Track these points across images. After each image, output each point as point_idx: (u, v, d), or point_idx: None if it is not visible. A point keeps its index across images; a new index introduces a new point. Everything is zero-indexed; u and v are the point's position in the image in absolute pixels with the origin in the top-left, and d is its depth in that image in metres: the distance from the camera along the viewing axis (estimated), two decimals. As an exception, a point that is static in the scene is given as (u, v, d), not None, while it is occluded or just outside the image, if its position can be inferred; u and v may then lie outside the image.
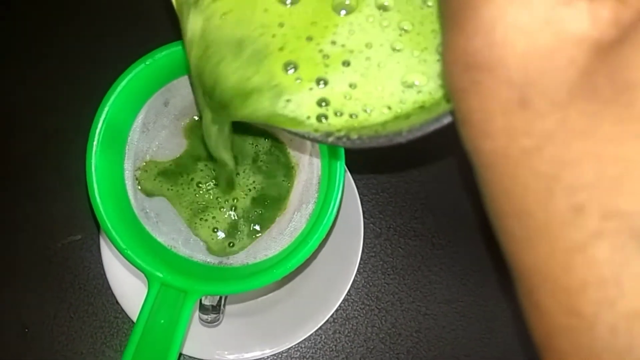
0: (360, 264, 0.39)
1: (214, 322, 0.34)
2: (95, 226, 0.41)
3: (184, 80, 0.32)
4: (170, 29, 0.38)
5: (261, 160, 0.34)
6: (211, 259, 0.33)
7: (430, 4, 0.22)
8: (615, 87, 0.14)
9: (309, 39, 0.22)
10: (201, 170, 0.34)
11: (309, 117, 0.21)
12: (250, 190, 0.34)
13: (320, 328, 0.39)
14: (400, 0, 0.22)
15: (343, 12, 0.22)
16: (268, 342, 0.39)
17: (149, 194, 0.33)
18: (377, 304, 0.41)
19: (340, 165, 0.30)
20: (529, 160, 0.15)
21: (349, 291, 0.39)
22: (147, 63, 0.30)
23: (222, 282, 0.31)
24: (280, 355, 0.40)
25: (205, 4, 0.22)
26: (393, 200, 0.42)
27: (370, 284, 0.41)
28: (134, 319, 0.36)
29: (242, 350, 0.39)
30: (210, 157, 0.34)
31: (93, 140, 0.30)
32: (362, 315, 0.41)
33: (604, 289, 0.14)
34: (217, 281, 0.31)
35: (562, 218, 0.14)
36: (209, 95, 0.23)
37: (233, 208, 0.34)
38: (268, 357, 0.39)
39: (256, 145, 0.35)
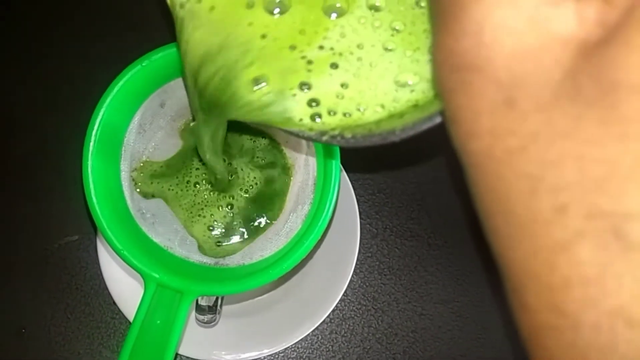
0: (356, 264, 0.40)
1: (211, 322, 0.34)
2: (92, 227, 0.41)
3: (180, 82, 0.32)
4: (167, 30, 0.38)
5: (257, 157, 0.34)
6: (207, 260, 0.33)
7: (422, 4, 0.22)
8: (600, 88, 0.14)
9: (292, 47, 0.22)
10: (197, 169, 0.35)
11: (301, 120, 0.22)
12: (246, 190, 0.34)
13: (317, 328, 0.39)
14: (392, 0, 0.22)
15: (334, 15, 0.22)
16: (265, 342, 0.39)
17: (145, 195, 0.34)
18: (374, 304, 0.41)
19: (336, 166, 0.30)
20: (514, 160, 0.15)
21: (345, 291, 0.39)
22: (144, 64, 0.30)
23: (218, 283, 0.31)
24: (277, 356, 0.40)
25: (196, 9, 0.23)
26: (389, 201, 0.43)
27: (367, 284, 0.42)
28: (131, 319, 0.36)
29: (238, 350, 0.39)
30: (202, 163, 0.34)
31: (89, 142, 0.30)
32: (358, 315, 0.41)
33: (587, 288, 0.14)
34: (213, 282, 0.31)
35: (545, 217, 0.14)
36: (201, 97, 0.24)
37: (229, 207, 0.34)
38: (265, 357, 0.40)
39: (254, 141, 0.35)
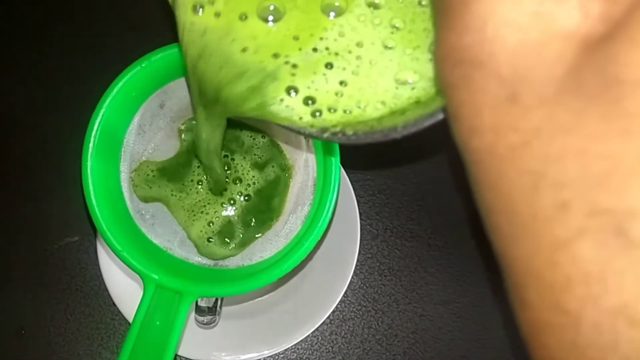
0: (357, 265, 0.39)
1: (210, 323, 0.34)
2: (92, 228, 0.41)
3: (179, 83, 0.32)
4: (166, 31, 0.38)
5: (255, 154, 0.34)
6: (207, 261, 0.33)
7: (424, 3, 0.22)
8: (603, 84, 0.14)
9: (276, 55, 0.22)
10: (197, 166, 0.35)
11: (301, 118, 0.22)
12: (245, 191, 0.34)
13: (317, 329, 0.39)
14: None
15: (332, 14, 0.22)
16: (265, 343, 0.39)
17: (143, 199, 0.33)
18: (374, 305, 0.41)
19: (336, 167, 0.30)
20: (516, 157, 0.15)
21: (345, 292, 0.39)
22: (143, 65, 0.30)
23: (217, 284, 0.31)
24: (277, 357, 0.40)
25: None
26: (390, 202, 0.42)
27: (367, 285, 0.41)
28: (131, 320, 0.36)
29: (238, 351, 0.39)
30: (200, 163, 0.34)
31: (89, 143, 0.30)
32: (358, 316, 0.41)
33: (588, 286, 0.14)
34: (212, 283, 0.31)
35: (547, 214, 0.14)
36: (203, 93, 0.24)
37: (228, 209, 0.34)
38: (265, 358, 0.39)
39: (254, 138, 0.35)
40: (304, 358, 0.41)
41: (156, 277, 0.30)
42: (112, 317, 0.41)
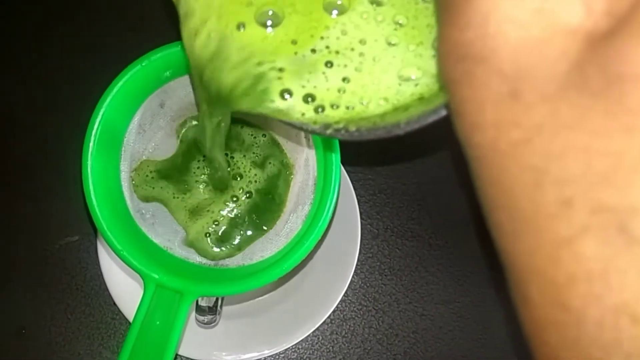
0: (357, 264, 0.39)
1: (211, 323, 0.34)
2: (92, 227, 0.41)
3: (179, 82, 0.32)
4: (167, 31, 0.38)
5: (254, 152, 0.34)
6: (207, 260, 0.33)
7: None
8: (607, 80, 0.13)
9: (259, 64, 0.22)
10: (196, 168, 0.34)
11: (303, 114, 0.22)
12: (247, 190, 0.34)
13: (317, 329, 0.39)
14: None
15: (335, 12, 0.22)
16: (265, 343, 0.39)
17: (144, 198, 0.33)
18: (375, 304, 0.41)
19: (337, 166, 0.30)
20: (518, 153, 0.15)
21: (346, 292, 0.39)
22: (143, 64, 0.30)
23: (218, 283, 0.31)
24: (277, 356, 0.40)
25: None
26: (390, 202, 0.42)
27: (368, 284, 0.41)
28: (131, 320, 0.36)
29: (239, 351, 0.39)
30: (204, 158, 0.34)
31: (89, 142, 0.30)
32: (359, 316, 0.41)
33: (591, 283, 0.14)
34: (213, 282, 0.31)
35: (550, 211, 0.14)
36: (206, 88, 0.24)
37: (229, 208, 0.34)
38: (265, 358, 0.39)
39: (254, 137, 0.35)
40: (304, 357, 0.41)
41: (156, 276, 0.30)
42: (112, 317, 0.41)
